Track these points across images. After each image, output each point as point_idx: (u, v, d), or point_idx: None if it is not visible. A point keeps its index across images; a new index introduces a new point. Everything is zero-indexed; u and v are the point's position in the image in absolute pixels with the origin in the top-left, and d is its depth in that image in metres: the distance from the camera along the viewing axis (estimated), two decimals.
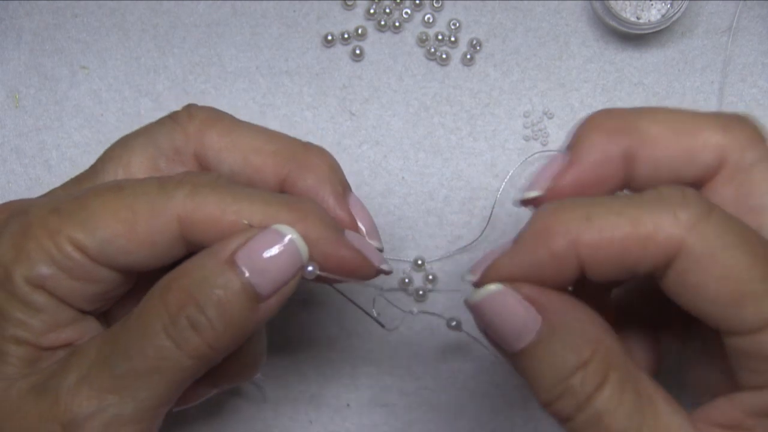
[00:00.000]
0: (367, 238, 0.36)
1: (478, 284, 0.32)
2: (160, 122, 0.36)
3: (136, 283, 0.34)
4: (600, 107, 0.47)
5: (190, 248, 0.32)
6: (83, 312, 0.33)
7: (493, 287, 0.31)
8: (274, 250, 0.31)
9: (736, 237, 0.28)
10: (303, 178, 0.35)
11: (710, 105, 0.47)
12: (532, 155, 0.47)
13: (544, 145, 0.47)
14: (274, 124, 0.47)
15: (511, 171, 0.47)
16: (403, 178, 0.47)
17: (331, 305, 0.47)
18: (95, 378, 0.30)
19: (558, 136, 0.47)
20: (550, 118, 0.47)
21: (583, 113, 0.47)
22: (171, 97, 0.47)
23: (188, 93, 0.47)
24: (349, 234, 0.34)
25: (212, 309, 0.30)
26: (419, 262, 0.47)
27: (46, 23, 0.47)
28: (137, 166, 0.35)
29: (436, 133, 0.47)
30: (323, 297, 0.47)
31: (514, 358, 0.31)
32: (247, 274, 0.30)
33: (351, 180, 0.47)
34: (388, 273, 0.35)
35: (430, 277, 0.47)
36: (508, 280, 0.31)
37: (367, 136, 0.47)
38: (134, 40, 0.47)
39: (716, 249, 0.28)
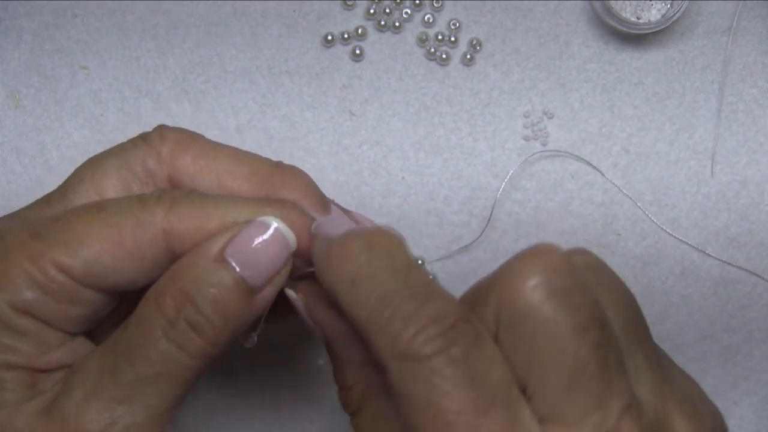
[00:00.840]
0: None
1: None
2: (132, 143, 0.36)
3: (119, 303, 0.35)
4: (600, 107, 0.47)
5: (176, 260, 0.32)
6: (71, 333, 0.33)
7: (291, 293, 0.33)
8: (262, 241, 0.31)
9: (449, 387, 0.26)
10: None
11: (710, 105, 0.47)
12: (532, 155, 0.47)
13: (544, 145, 0.47)
14: (274, 124, 0.47)
15: (511, 171, 0.47)
16: (403, 178, 0.47)
17: None
18: (102, 391, 0.30)
19: (558, 136, 0.47)
20: (550, 118, 0.47)
21: (583, 113, 0.47)
22: (171, 97, 0.47)
23: (188, 93, 0.47)
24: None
25: (209, 308, 0.30)
26: (419, 261, 0.47)
27: (46, 23, 0.47)
28: (110, 188, 0.35)
29: (436, 133, 0.47)
30: None
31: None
32: (238, 269, 0.31)
33: (351, 180, 0.47)
34: None
35: (431, 276, 0.47)
36: None
37: (367, 136, 0.47)
38: (134, 40, 0.47)
39: (413, 391, 0.27)
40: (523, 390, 0.28)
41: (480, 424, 0.26)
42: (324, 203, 0.36)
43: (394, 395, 0.27)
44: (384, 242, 0.30)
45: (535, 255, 0.28)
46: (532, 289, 0.27)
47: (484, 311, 0.28)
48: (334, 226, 0.33)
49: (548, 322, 0.27)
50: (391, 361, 0.27)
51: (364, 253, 0.29)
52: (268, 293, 0.32)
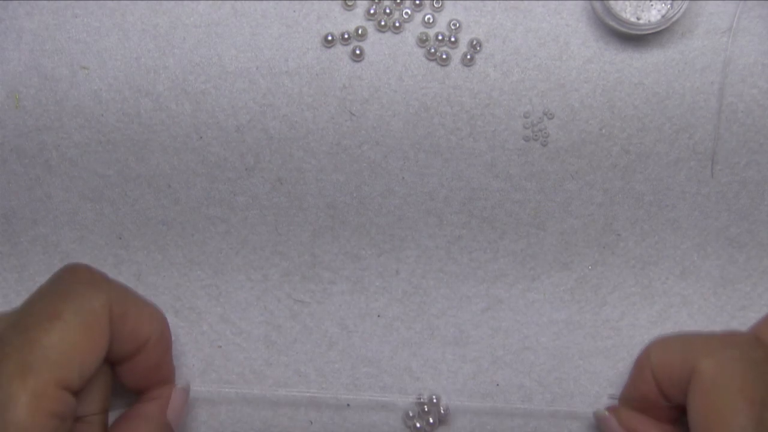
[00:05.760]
0: None
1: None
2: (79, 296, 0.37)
3: None
4: (600, 107, 0.47)
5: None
6: None
7: (602, 411, 0.43)
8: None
9: (741, 384, 0.35)
10: None
11: (710, 105, 0.47)
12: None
13: (544, 145, 0.47)
14: (274, 124, 0.47)
15: (511, 171, 0.47)
16: (403, 178, 0.47)
17: (331, 304, 0.47)
18: None
19: (558, 136, 0.47)
20: (550, 118, 0.47)
21: (583, 113, 0.47)
22: (171, 97, 0.47)
23: (188, 93, 0.47)
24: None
25: None
26: (434, 399, 0.46)
27: (46, 23, 0.47)
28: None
29: (436, 133, 0.47)
30: (323, 297, 0.47)
31: None
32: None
33: (351, 180, 0.48)
34: None
35: (442, 412, 0.46)
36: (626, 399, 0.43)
37: (367, 136, 0.47)
38: (134, 40, 0.47)
39: (716, 385, 0.35)
40: None
41: (761, 418, 0.34)
42: None
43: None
44: None
45: None
46: None
47: None
48: None
49: None
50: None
51: None
52: None
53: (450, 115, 0.47)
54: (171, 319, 0.47)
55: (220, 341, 0.47)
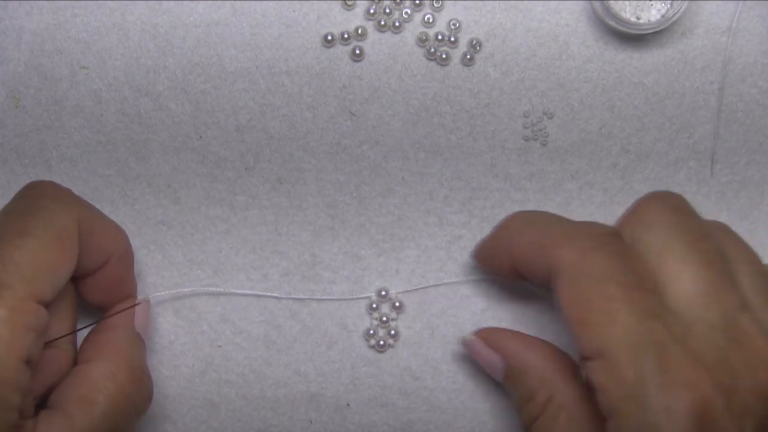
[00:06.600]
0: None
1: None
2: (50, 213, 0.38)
3: None
4: (600, 107, 0.47)
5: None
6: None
7: (469, 337, 0.43)
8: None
9: (607, 271, 0.34)
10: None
11: (710, 105, 0.47)
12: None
13: (544, 145, 0.47)
14: (274, 124, 0.47)
15: (511, 171, 0.47)
16: (403, 178, 0.47)
17: (331, 304, 0.47)
18: None
19: (558, 136, 0.47)
20: (550, 118, 0.47)
21: (583, 113, 0.47)
22: (171, 97, 0.47)
23: (188, 93, 0.47)
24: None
25: None
26: (383, 293, 0.47)
27: (46, 23, 0.47)
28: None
29: (436, 133, 0.47)
30: (323, 296, 0.47)
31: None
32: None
33: (351, 180, 0.48)
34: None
35: (396, 304, 0.47)
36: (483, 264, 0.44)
37: (367, 136, 0.47)
38: (134, 40, 0.47)
39: (582, 276, 0.34)
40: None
41: (635, 299, 0.33)
42: None
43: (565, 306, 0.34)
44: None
45: (661, 195, 0.39)
46: (661, 210, 0.37)
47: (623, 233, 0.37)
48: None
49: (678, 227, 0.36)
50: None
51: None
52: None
53: (450, 114, 0.47)
54: (171, 319, 0.47)
55: (220, 341, 0.47)
